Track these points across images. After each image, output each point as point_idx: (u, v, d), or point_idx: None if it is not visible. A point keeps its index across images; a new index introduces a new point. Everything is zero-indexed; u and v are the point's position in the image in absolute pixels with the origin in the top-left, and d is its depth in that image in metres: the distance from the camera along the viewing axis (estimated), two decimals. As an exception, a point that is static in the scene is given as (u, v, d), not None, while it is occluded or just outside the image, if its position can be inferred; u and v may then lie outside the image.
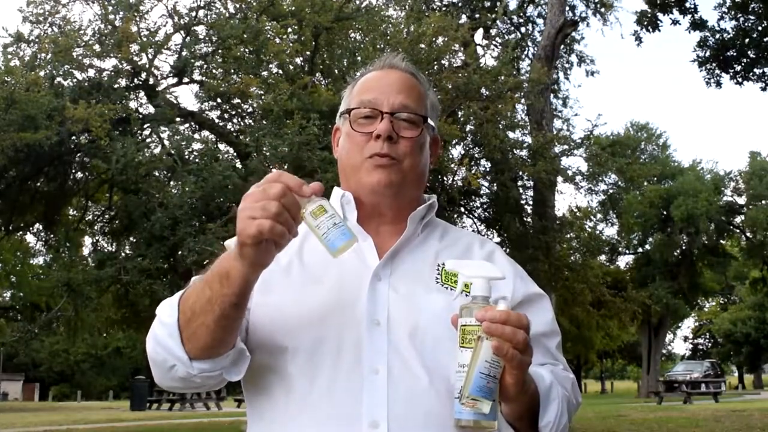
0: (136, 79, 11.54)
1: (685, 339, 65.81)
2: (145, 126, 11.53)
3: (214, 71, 11.66)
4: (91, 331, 18.78)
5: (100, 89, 10.81)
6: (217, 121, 12.29)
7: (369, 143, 1.41)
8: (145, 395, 25.82)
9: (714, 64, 13.45)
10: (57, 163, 11.54)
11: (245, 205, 1.15)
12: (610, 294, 14.79)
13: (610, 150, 15.93)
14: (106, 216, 13.44)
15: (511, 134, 13.23)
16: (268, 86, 10.89)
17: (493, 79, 11.47)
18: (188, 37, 11.53)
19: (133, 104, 11.69)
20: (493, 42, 17.35)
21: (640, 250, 34.57)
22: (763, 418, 15.08)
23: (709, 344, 59.06)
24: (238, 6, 11.88)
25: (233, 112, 12.30)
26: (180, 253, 10.31)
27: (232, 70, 11.46)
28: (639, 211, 31.01)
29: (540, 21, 17.43)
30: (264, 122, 10.38)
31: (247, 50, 11.35)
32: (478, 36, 16.38)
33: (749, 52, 13.27)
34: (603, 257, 25.90)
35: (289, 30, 11.55)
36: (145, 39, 11.16)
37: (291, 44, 11.55)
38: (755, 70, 13.36)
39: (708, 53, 13.43)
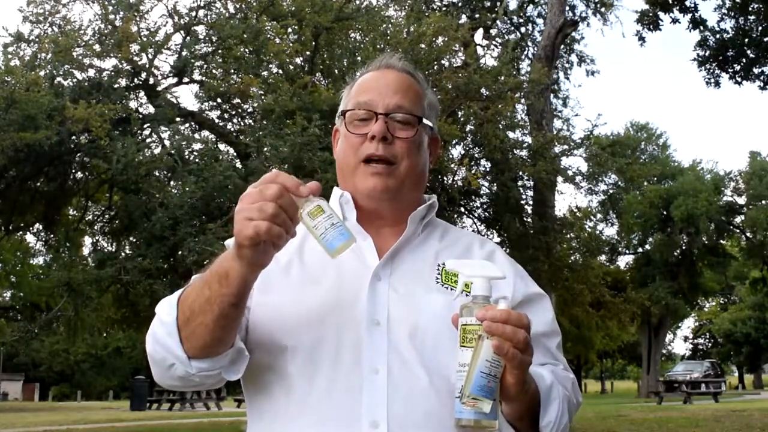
0: (136, 79, 11.54)
1: (685, 339, 65.87)
2: (145, 126, 11.53)
3: (214, 71, 11.66)
4: (91, 331, 18.78)
5: (100, 89, 10.81)
6: (217, 121, 12.29)
7: (364, 144, 1.42)
8: (145, 395, 25.82)
9: (714, 64, 13.46)
10: (57, 163, 11.54)
11: (242, 206, 1.15)
12: (609, 294, 14.80)
13: (610, 150, 15.94)
14: (106, 216, 13.43)
15: (511, 134, 13.24)
16: (269, 86, 10.89)
17: (493, 79, 11.46)
18: (188, 37, 11.52)
19: (133, 104, 11.70)
20: (493, 42, 17.36)
21: (640, 250, 34.58)
22: (763, 418, 15.07)
23: (709, 344, 59.06)
24: (238, 6, 11.88)
25: (233, 112, 12.30)
26: (180, 253, 10.31)
27: (232, 70, 11.46)
28: (639, 211, 31.02)
29: (540, 21, 17.44)
30: (264, 122, 10.38)
31: (247, 50, 11.35)
32: (478, 36, 16.39)
33: (748, 52, 13.28)
34: (603, 257, 25.90)
35: (289, 30, 11.55)
36: (145, 39, 11.15)
37: (291, 44, 11.54)
38: (754, 69, 13.37)
39: (708, 53, 13.44)
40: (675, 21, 13.20)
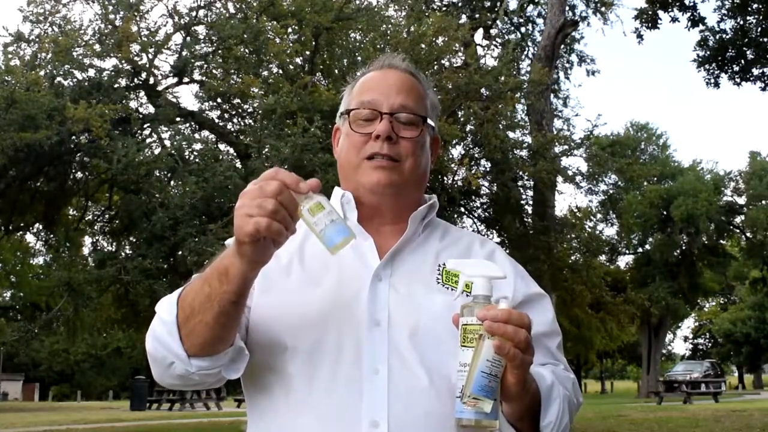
0: (136, 79, 11.54)
1: (685, 339, 65.86)
2: (145, 126, 11.53)
3: (214, 71, 11.66)
4: (91, 331, 18.77)
5: (100, 89, 10.80)
6: (217, 121, 12.29)
7: (368, 143, 1.41)
8: (145, 395, 25.82)
9: (713, 65, 13.45)
10: (57, 163, 11.54)
11: (242, 202, 1.14)
12: (609, 295, 14.80)
13: (610, 150, 15.96)
14: (106, 216, 13.43)
15: (511, 134, 13.24)
16: (269, 86, 10.89)
17: (493, 79, 11.47)
18: (188, 37, 11.53)
19: (133, 104, 11.70)
20: (494, 42, 17.36)
21: (640, 250, 34.56)
22: (763, 418, 15.07)
23: (709, 344, 59.05)
24: (238, 6, 11.88)
25: (233, 112, 12.30)
26: (180, 253, 10.31)
27: (233, 70, 11.46)
28: (639, 211, 31.00)
29: (540, 21, 17.44)
30: (265, 122, 10.37)
31: (247, 50, 11.35)
32: (478, 36, 16.40)
33: (748, 53, 13.27)
34: (603, 257, 25.90)
35: (289, 30, 11.54)
36: (145, 39, 11.16)
37: (291, 44, 11.54)
38: (754, 70, 13.36)
39: (707, 53, 13.43)
40: (674, 20, 13.18)
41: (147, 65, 11.31)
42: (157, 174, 10.88)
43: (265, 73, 11.63)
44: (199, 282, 1.24)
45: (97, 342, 44.73)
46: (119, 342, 46.33)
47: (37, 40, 11.20)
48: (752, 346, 47.39)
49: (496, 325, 1.14)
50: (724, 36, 13.36)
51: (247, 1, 11.80)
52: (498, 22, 17.11)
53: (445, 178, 12.03)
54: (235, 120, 12.50)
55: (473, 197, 14.09)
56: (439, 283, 1.38)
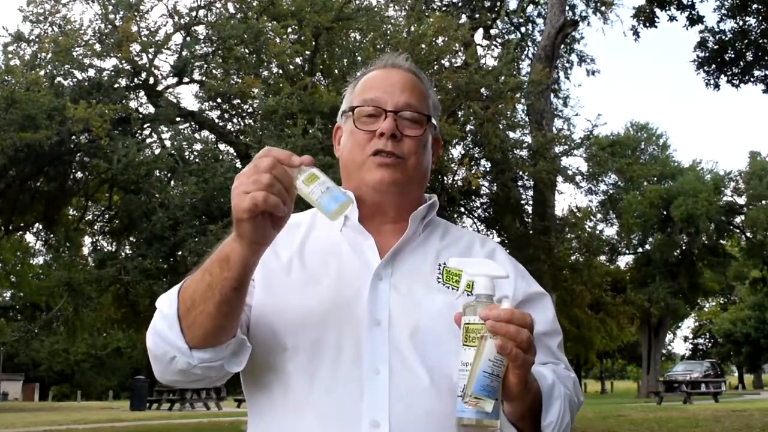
0: (136, 79, 11.54)
1: (685, 339, 65.89)
2: (145, 126, 11.52)
3: (214, 71, 11.66)
4: (90, 331, 18.79)
5: (100, 89, 10.80)
6: (217, 121, 12.29)
7: (372, 141, 1.41)
8: (145, 395, 25.82)
9: (713, 66, 13.45)
10: (57, 163, 11.54)
11: (239, 182, 1.15)
12: (609, 296, 14.81)
13: (610, 150, 15.96)
14: (106, 216, 13.44)
15: (511, 134, 13.25)
16: (269, 87, 10.89)
17: (493, 79, 11.47)
18: (188, 37, 11.52)
19: (133, 104, 11.70)
20: (494, 42, 17.36)
21: (640, 250, 34.57)
22: (763, 418, 15.08)
23: (709, 344, 59.07)
24: (238, 6, 11.88)
25: (233, 113, 12.30)
26: (180, 253, 10.31)
27: (233, 71, 11.46)
28: (639, 211, 31.02)
29: (540, 21, 17.44)
30: (265, 123, 10.37)
31: (247, 50, 11.35)
32: (478, 36, 16.40)
33: (747, 54, 13.27)
34: (603, 257, 25.91)
35: (289, 30, 11.54)
36: (145, 39, 11.15)
37: (291, 44, 11.54)
38: (755, 71, 13.36)
39: (707, 55, 13.43)
40: (672, 18, 13.19)
41: (147, 65, 11.31)
42: (157, 174, 10.87)
43: (266, 73, 11.63)
44: (200, 273, 1.24)
45: (97, 342, 44.76)
46: (119, 342, 46.36)
47: (37, 40, 11.20)
48: (752, 346, 47.40)
49: (498, 324, 1.14)
50: (723, 37, 13.36)
51: (247, 1, 11.80)
52: (498, 22, 17.11)
53: (445, 178, 12.03)
54: (235, 120, 12.50)
55: (473, 197, 14.10)
56: (439, 282, 1.38)
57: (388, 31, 12.05)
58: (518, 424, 1.28)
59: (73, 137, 10.66)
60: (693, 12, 12.98)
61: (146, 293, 10.35)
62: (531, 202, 14.25)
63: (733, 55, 13.37)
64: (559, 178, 13.49)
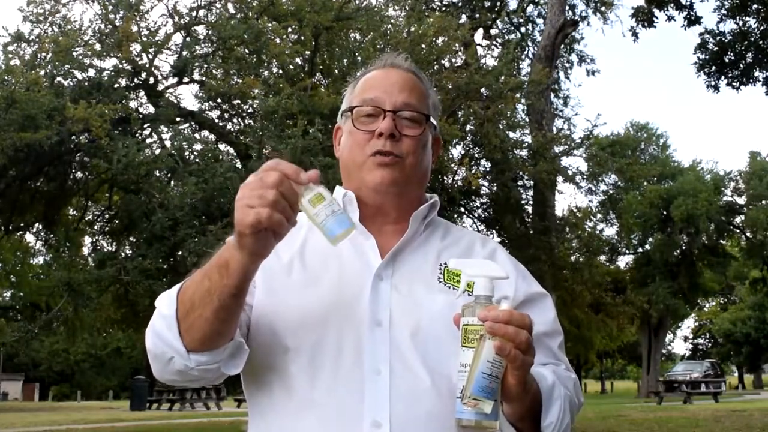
0: (136, 79, 11.54)
1: (685, 339, 65.88)
2: (145, 126, 11.52)
3: (214, 71, 11.66)
4: (90, 331, 18.78)
5: (100, 89, 10.80)
6: (217, 121, 12.29)
7: (371, 141, 1.41)
8: (145, 395, 25.81)
9: (713, 68, 13.45)
10: (57, 163, 11.53)
11: (243, 194, 1.14)
12: (609, 296, 14.81)
13: (610, 150, 15.96)
14: (106, 216, 13.44)
15: (511, 134, 13.25)
16: (269, 87, 10.89)
17: (494, 79, 11.47)
18: (188, 37, 11.52)
19: (133, 104, 11.70)
20: (494, 42, 17.37)
21: (640, 250, 34.56)
22: (763, 418, 15.07)
23: (709, 344, 59.06)
24: (238, 6, 11.88)
25: (233, 113, 12.30)
26: (180, 253, 10.31)
27: (233, 71, 11.46)
28: (639, 211, 31.01)
29: (540, 21, 17.45)
30: (265, 123, 10.37)
31: (247, 51, 11.35)
32: (478, 36, 16.40)
33: (747, 55, 13.26)
34: (603, 257, 25.91)
35: (289, 30, 11.54)
36: (145, 39, 11.15)
37: (291, 44, 11.54)
38: (755, 72, 13.35)
39: (707, 56, 13.43)
40: (670, 18, 13.19)
41: (147, 65, 11.31)
42: (157, 174, 10.88)
43: (266, 73, 11.63)
44: (199, 276, 1.23)
45: (97, 342, 44.75)
46: (119, 342, 46.37)
47: (37, 40, 11.20)
48: (752, 346, 47.40)
49: (497, 326, 1.13)
50: (723, 39, 13.35)
51: (247, 1, 11.79)
52: (498, 21, 17.11)
53: (445, 178, 12.03)
54: (235, 120, 12.50)
55: (473, 197, 14.10)
56: (440, 282, 1.38)
57: (388, 31, 12.05)
58: (518, 425, 1.28)
59: (73, 137, 10.66)
60: (691, 12, 12.98)
61: (146, 293, 10.35)
62: (531, 202, 14.25)
63: (733, 57, 13.36)
64: (559, 178, 13.50)
